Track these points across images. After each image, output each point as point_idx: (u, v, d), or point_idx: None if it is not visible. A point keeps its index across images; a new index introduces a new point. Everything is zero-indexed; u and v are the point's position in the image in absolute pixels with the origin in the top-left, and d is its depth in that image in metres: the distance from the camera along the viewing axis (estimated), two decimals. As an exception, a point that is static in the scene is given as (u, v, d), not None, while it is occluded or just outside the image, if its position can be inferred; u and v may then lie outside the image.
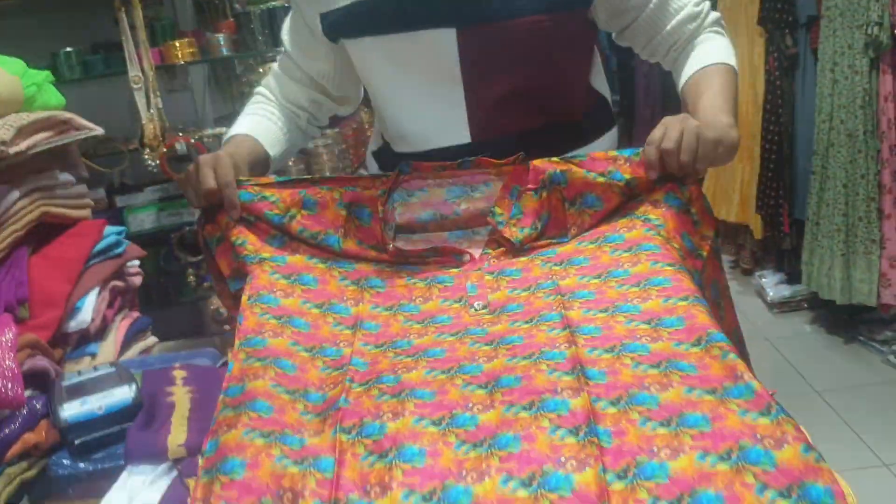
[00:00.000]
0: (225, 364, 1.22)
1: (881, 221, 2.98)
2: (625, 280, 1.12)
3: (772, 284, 3.73)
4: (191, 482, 0.91)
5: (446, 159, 1.29)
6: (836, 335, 3.38)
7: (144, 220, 2.35)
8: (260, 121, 1.42)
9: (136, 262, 1.46)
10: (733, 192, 3.89)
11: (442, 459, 0.88)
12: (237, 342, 1.07)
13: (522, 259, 1.22)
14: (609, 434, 0.87)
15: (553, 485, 0.83)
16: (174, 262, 2.38)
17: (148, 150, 2.02)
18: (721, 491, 0.80)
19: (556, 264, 1.19)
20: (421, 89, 1.34)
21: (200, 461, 0.90)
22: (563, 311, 1.07)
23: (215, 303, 2.34)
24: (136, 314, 1.44)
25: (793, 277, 3.64)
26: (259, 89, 1.49)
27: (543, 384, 0.95)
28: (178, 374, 1.13)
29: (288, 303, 1.14)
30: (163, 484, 0.94)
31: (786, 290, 3.66)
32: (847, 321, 3.36)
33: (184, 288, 2.47)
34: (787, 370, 3.17)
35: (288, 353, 1.05)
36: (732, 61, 1.36)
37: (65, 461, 1.01)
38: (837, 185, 3.07)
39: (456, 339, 1.08)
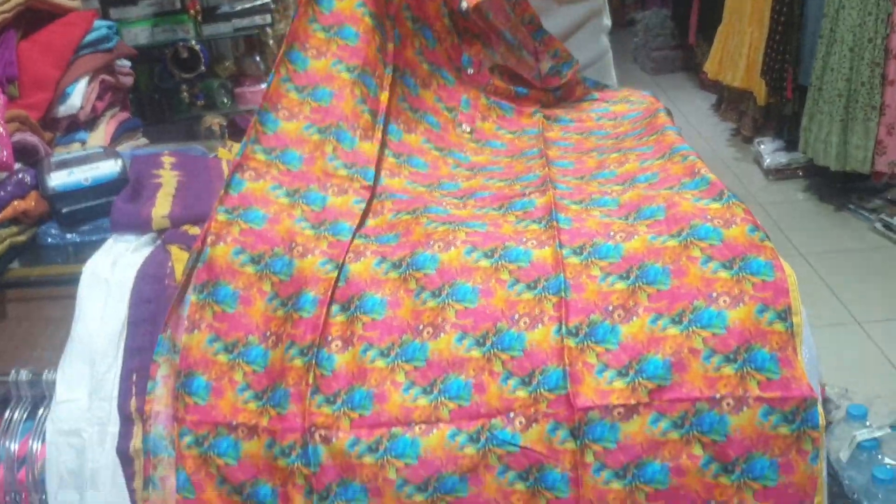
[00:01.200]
0: (216, 157, 1.24)
1: (883, 87, 2.95)
2: (605, 137, 1.16)
3: (770, 151, 3.73)
4: (172, 248, 0.95)
5: None
6: (828, 203, 3.41)
7: (139, 34, 2.31)
8: None
9: (128, 63, 1.46)
10: (740, 57, 3.83)
11: (413, 235, 0.92)
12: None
13: (520, 97, 1.25)
14: (569, 220, 0.91)
15: (513, 256, 0.87)
16: (168, 78, 2.37)
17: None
18: (668, 264, 0.84)
19: (546, 117, 1.23)
20: None
21: (221, 194, 0.94)
22: (543, 149, 1.11)
23: (208, 121, 2.35)
24: (127, 114, 1.45)
25: (791, 145, 3.64)
26: None
27: (514, 192, 0.99)
28: (167, 159, 1.15)
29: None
30: (145, 251, 0.97)
31: (783, 158, 3.67)
32: (839, 190, 3.38)
33: (178, 105, 2.47)
34: (776, 234, 3.22)
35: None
36: None
37: (53, 230, 1.05)
38: (844, 48, 3.02)
39: (441, 154, 1.11)
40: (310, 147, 1.01)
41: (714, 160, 3.93)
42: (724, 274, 0.82)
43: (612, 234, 0.88)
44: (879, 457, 1.52)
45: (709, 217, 0.87)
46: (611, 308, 0.83)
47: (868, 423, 1.58)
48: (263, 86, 2.49)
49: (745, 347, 0.79)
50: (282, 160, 1.00)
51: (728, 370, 0.79)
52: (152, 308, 0.91)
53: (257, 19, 2.43)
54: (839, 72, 3.05)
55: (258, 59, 2.60)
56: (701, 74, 4.69)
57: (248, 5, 2.42)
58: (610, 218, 0.91)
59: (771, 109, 3.80)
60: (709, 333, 0.80)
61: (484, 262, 0.88)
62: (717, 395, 0.78)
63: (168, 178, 1.10)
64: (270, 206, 0.95)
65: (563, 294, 0.84)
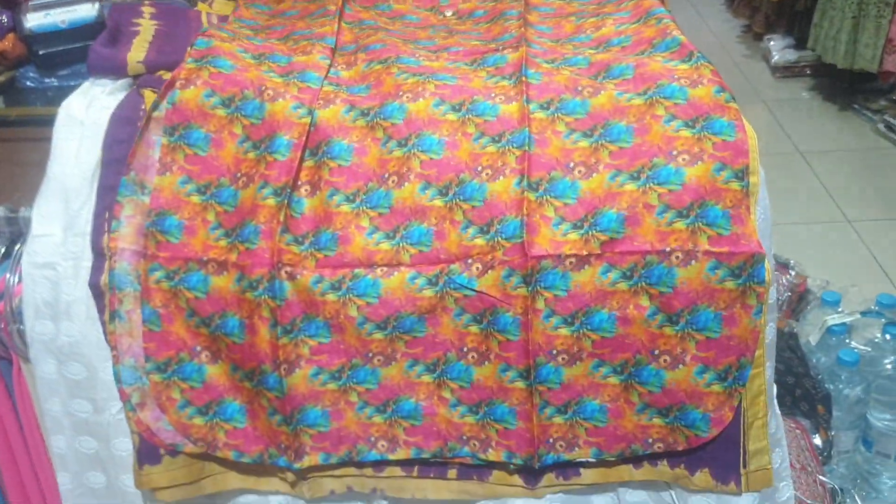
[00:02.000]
0: (197, 10, 1.23)
1: (900, -17, 2.88)
2: (587, 14, 1.13)
3: (779, 48, 3.65)
4: (146, 91, 0.96)
5: None
6: (832, 102, 3.36)
7: None
8: None
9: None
10: (757, -52, 3.72)
11: (384, 86, 0.93)
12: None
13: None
14: (539, 76, 0.91)
15: (480, 110, 0.88)
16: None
17: None
18: (632, 123, 0.85)
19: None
20: None
21: (189, 50, 0.95)
22: (523, 14, 1.09)
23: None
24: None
25: (801, 42, 3.56)
26: None
27: (488, 49, 0.99)
28: (147, 9, 1.14)
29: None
30: (121, 95, 0.98)
31: (791, 55, 3.60)
32: (846, 90, 3.33)
33: None
34: (776, 130, 3.19)
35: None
36: None
37: (32, 73, 1.05)
38: (863, -60, 2.93)
39: (419, 28, 1.10)
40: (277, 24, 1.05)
41: (722, 57, 3.86)
42: (685, 132, 0.83)
43: (579, 89, 0.89)
44: (847, 341, 1.56)
45: (676, 77, 0.87)
46: (572, 165, 0.84)
47: (840, 310, 1.62)
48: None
49: (699, 203, 0.80)
50: (247, 38, 1.01)
51: (680, 225, 0.80)
52: (125, 149, 0.92)
53: None
54: (855, -36, 2.96)
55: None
56: (717, -33, 4.55)
57: None
58: (579, 76, 0.91)
59: (783, 6, 3.70)
60: (665, 189, 0.81)
61: (451, 115, 0.89)
62: (667, 249, 0.80)
63: (146, 27, 1.09)
64: (238, 61, 0.95)
65: (526, 148, 0.85)
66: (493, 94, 0.90)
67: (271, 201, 0.87)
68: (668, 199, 0.81)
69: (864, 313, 1.59)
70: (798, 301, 1.85)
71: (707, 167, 0.81)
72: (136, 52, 1.01)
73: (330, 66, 0.98)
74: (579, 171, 0.84)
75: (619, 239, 0.81)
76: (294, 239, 0.87)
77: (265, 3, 1.22)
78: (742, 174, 0.81)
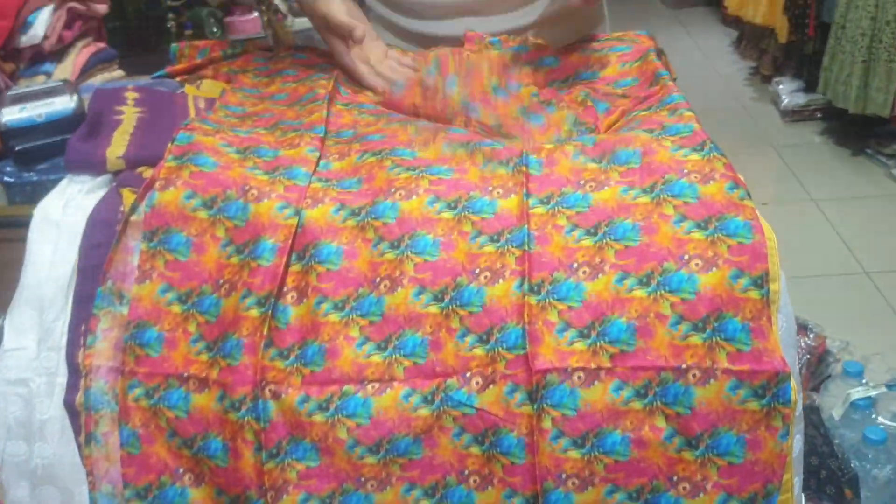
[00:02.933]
0: (184, 93, 1.19)
1: (909, 27, 2.83)
2: (592, 82, 1.09)
3: (788, 92, 3.61)
4: (125, 192, 0.91)
5: None
6: (845, 147, 3.30)
7: (123, -44, 2.24)
8: None
9: (102, -10, 1.40)
10: (762, -9, 3.69)
11: (375, 181, 0.87)
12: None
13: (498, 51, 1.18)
14: (540, 164, 0.86)
15: (478, 207, 0.83)
16: (155, 5, 2.28)
17: None
18: (639, 221, 0.79)
19: (528, 62, 1.14)
20: None
21: (170, 146, 0.90)
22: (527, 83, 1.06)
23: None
24: (102, 45, 1.39)
25: (810, 86, 3.51)
26: None
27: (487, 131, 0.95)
28: (131, 95, 1.09)
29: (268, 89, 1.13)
30: (100, 193, 0.93)
31: (801, 98, 3.55)
32: (858, 134, 3.27)
33: (165, 34, 2.38)
34: (787, 177, 3.13)
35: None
36: None
37: (9, 168, 1.01)
38: (870, -16, 2.89)
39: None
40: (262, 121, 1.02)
41: (730, 100, 3.81)
42: (697, 235, 0.77)
43: (581, 182, 0.83)
44: (873, 416, 1.48)
45: (685, 171, 0.81)
46: (575, 265, 0.78)
47: (864, 381, 1.54)
48: (255, 14, 2.41)
49: (716, 315, 0.74)
50: (232, 130, 0.97)
51: (696, 339, 0.74)
52: (102, 254, 0.86)
53: (248, -58, 2.33)
54: (864, 9, 2.92)
55: (250, -15, 2.51)
56: (722, 9, 4.53)
57: (240, -72, 2.32)
58: (583, 158, 0.86)
59: (792, 48, 3.66)
60: (677, 298, 0.75)
61: (446, 214, 0.83)
62: (683, 366, 0.74)
63: (129, 115, 1.05)
64: (221, 157, 0.90)
65: (526, 247, 0.79)
66: (490, 188, 0.84)
67: (254, 312, 0.81)
68: (681, 309, 0.75)
69: (889, 385, 1.51)
70: (818, 363, 1.77)
71: (723, 274, 0.75)
72: (116, 147, 0.96)
73: (319, 158, 0.93)
74: (583, 272, 0.78)
75: (630, 352, 0.75)
76: (279, 353, 0.81)
77: (253, 87, 1.17)
78: (761, 281, 0.75)
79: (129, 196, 0.90)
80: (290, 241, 0.84)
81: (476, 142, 0.91)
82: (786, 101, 3.57)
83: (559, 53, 1.21)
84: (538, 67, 1.14)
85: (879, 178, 3.06)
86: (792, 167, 3.20)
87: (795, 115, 3.56)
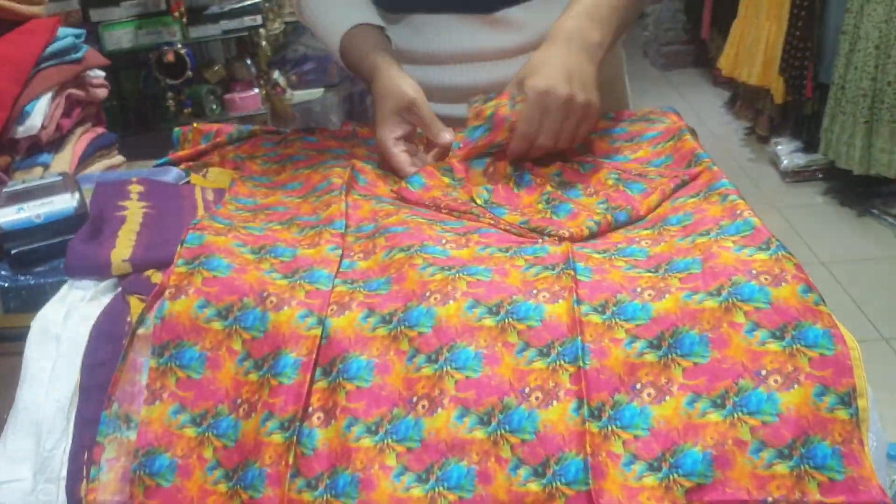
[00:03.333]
0: (190, 184, 1.12)
1: (911, 88, 2.82)
2: (625, 163, 1.03)
3: (787, 152, 3.58)
4: (132, 299, 0.83)
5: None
6: (849, 207, 3.27)
7: (121, 37, 2.16)
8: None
9: (101, 74, 1.34)
10: (757, 53, 3.68)
11: (406, 282, 0.80)
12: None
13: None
14: (589, 271, 0.79)
15: (522, 313, 0.75)
16: (154, 84, 2.23)
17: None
18: (706, 331, 0.71)
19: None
20: None
21: (179, 249, 0.83)
22: (561, 174, 1.00)
23: (195, 129, 2.21)
24: (100, 130, 1.33)
25: (809, 146, 3.50)
26: None
27: (527, 237, 0.87)
28: (135, 188, 1.03)
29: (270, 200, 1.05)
30: (104, 300, 0.85)
31: (801, 159, 3.52)
32: (862, 193, 3.24)
33: (164, 113, 2.32)
34: (794, 240, 3.08)
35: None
36: None
37: (3, 272, 0.93)
38: (869, 46, 2.88)
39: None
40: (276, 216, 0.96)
41: (728, 160, 3.79)
42: (774, 346, 0.70)
43: (638, 289, 0.76)
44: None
45: (754, 272, 0.74)
46: (639, 386, 0.70)
47: (908, 464, 1.46)
48: (255, 91, 2.36)
49: (802, 440, 0.66)
50: (245, 227, 0.90)
51: (782, 468, 0.66)
52: (106, 373, 0.78)
53: (248, 20, 2.27)
54: (864, 70, 2.91)
55: (249, 62, 2.44)
56: (714, 70, 4.54)
57: (237, 5, 2.26)
58: (637, 270, 0.78)
59: (788, 108, 3.65)
60: (758, 421, 0.67)
61: (488, 321, 0.75)
62: (769, 499, 0.65)
63: (134, 211, 0.98)
64: (235, 258, 0.83)
65: (580, 363, 0.71)
66: (534, 291, 0.77)
67: (277, 437, 0.73)
68: (763, 433, 0.67)
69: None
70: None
71: (806, 392, 0.68)
72: (122, 249, 0.89)
73: (342, 256, 0.86)
74: (648, 395, 0.70)
75: (707, 485, 0.66)
76: (307, 483, 0.72)
77: (263, 174, 1.11)
78: (849, 399, 0.67)
79: (136, 305, 0.82)
80: (314, 355, 0.76)
81: (517, 247, 0.84)
82: (786, 161, 3.55)
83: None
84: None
85: (888, 239, 3.02)
86: (797, 229, 3.15)
87: (796, 176, 3.53)
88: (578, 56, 1.01)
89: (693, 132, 1.09)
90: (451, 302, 0.76)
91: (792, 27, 3.36)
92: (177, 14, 2.10)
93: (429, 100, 1.10)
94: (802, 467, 0.65)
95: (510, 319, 0.75)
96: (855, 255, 2.96)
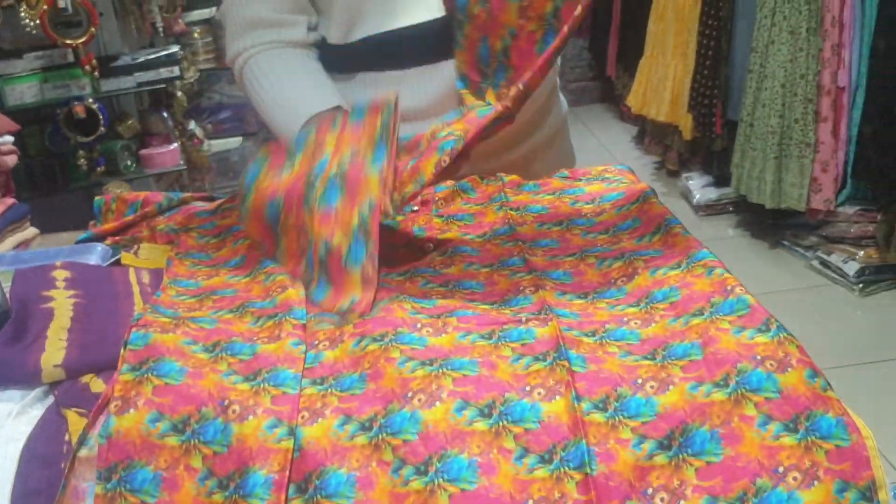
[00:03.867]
0: (118, 261, 1.02)
1: (816, 124, 2.91)
2: (590, 228, 1.00)
3: (699, 187, 3.66)
4: (70, 413, 0.73)
5: (416, 37, 1.10)
6: (761, 239, 3.34)
7: (25, 92, 2.01)
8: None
9: (9, 139, 1.22)
10: (665, 91, 3.76)
11: (384, 380, 0.73)
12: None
13: (474, 206, 1.09)
14: (583, 360, 0.73)
15: (519, 413, 0.69)
16: (62, 142, 2.07)
17: (25, 6, 1.71)
18: (717, 427, 0.67)
19: (512, 209, 1.07)
20: None
21: (123, 352, 0.74)
22: (525, 256, 0.94)
23: (111, 190, 2.07)
24: (10, 200, 1.21)
25: (720, 180, 3.57)
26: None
27: (505, 318, 0.81)
28: (60, 274, 0.92)
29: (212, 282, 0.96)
30: (35, 413, 0.75)
31: (712, 193, 3.60)
32: (772, 226, 3.32)
33: (74, 173, 2.15)
34: (712, 274, 3.13)
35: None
36: None
37: None
38: (776, 84, 2.96)
39: (405, 278, 0.92)
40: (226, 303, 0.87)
41: (642, 195, 3.83)
42: (788, 440, 0.66)
43: (639, 381, 0.71)
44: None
45: (758, 358, 0.70)
46: (651, 491, 0.65)
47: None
48: (174, 146, 2.23)
49: None
50: (193, 320, 0.81)
51: None
52: (42, 502, 0.68)
53: (164, 72, 2.15)
54: (771, 108, 2.99)
55: (165, 114, 2.30)
56: (621, 106, 4.63)
57: (152, 56, 2.14)
58: (633, 357, 0.74)
59: (697, 143, 3.73)
60: None
61: (480, 424, 0.69)
62: None
63: (62, 303, 0.87)
64: (188, 360, 0.74)
65: (587, 469, 0.65)
66: (528, 387, 0.71)
67: None
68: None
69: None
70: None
71: (827, 489, 0.64)
72: (52, 352, 0.79)
73: (305, 350, 0.78)
74: (661, 499, 0.65)
75: None
76: None
77: (201, 250, 1.02)
78: (870, 493, 0.64)
79: (75, 421, 0.73)
80: (287, 471, 0.68)
81: (499, 331, 0.78)
82: (698, 195, 3.61)
83: (544, 185, 1.13)
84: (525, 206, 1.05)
85: (800, 270, 3.09)
86: (714, 263, 3.20)
87: (708, 210, 3.60)
88: None
89: (654, 193, 1.06)
90: (438, 404, 0.70)
91: (699, 66, 3.44)
92: (88, 67, 1.97)
93: None
94: None
95: (504, 422, 0.69)
96: (769, 287, 3.01)
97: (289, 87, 1.13)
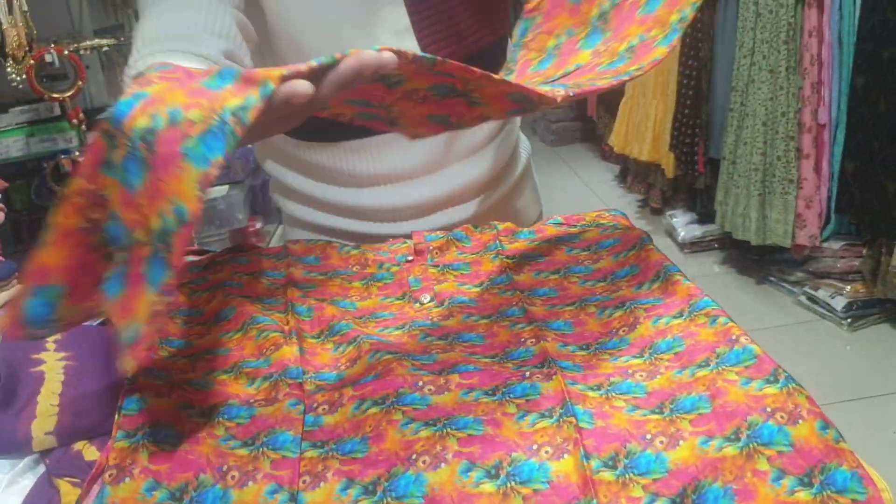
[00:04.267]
0: (109, 320, 1.00)
1: (799, 161, 2.94)
2: (587, 276, 0.99)
3: (683, 224, 3.68)
4: (62, 483, 0.71)
5: None
6: (747, 276, 3.36)
7: (10, 146, 1.99)
8: None
9: (-4, 195, 1.20)
10: (646, 131, 3.80)
11: (386, 442, 0.71)
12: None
13: (470, 255, 1.08)
14: (590, 416, 0.72)
15: (526, 474, 0.67)
16: (48, 195, 2.06)
17: (12, 61, 1.71)
18: (730, 483, 0.65)
19: (508, 258, 1.05)
20: (363, 9, 1.10)
21: (117, 419, 0.72)
22: (524, 306, 0.92)
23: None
24: (-4, 258, 1.19)
25: (704, 217, 3.60)
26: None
27: (508, 372, 0.79)
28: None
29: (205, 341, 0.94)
30: (25, 484, 0.72)
31: (697, 230, 3.62)
32: (758, 262, 3.34)
33: None
34: (700, 311, 3.13)
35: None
36: None
37: None
38: (757, 122, 3.00)
39: (403, 332, 0.91)
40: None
41: (627, 234, 3.85)
42: (803, 494, 0.64)
43: (648, 436, 0.69)
44: None
45: (768, 410, 0.69)
46: None
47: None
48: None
49: None
50: (187, 383, 0.80)
51: None
52: (36, 581, 0.66)
53: (150, 124, 2.13)
54: (753, 146, 3.02)
55: (151, 165, 2.29)
56: (603, 146, 4.67)
57: (138, 108, 2.13)
58: (640, 412, 0.72)
59: (679, 181, 3.76)
60: None
61: (488, 486, 0.67)
62: None
63: (52, 366, 0.85)
64: (184, 425, 0.72)
65: None
66: (535, 446, 0.69)
67: None
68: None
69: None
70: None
71: None
72: (43, 419, 0.76)
73: (304, 411, 0.76)
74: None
75: None
76: None
77: (192, 306, 0.99)
78: None
79: (67, 490, 0.70)
80: None
81: (503, 387, 0.76)
82: (682, 233, 3.63)
83: (539, 232, 1.12)
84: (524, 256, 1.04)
85: (788, 306, 3.10)
86: (702, 300, 3.21)
87: (694, 247, 3.62)
88: None
89: (650, 239, 1.06)
90: (443, 465, 0.68)
91: (680, 105, 3.48)
92: (75, 121, 1.96)
93: (370, 220, 1.06)
94: None
95: (512, 483, 0.67)
96: (757, 324, 3.02)
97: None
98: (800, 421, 0.68)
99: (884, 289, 2.72)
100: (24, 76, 1.80)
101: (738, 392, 0.71)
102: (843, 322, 2.88)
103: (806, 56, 2.84)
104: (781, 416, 0.68)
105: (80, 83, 1.94)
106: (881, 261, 2.72)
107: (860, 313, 2.88)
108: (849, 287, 2.90)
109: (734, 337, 0.78)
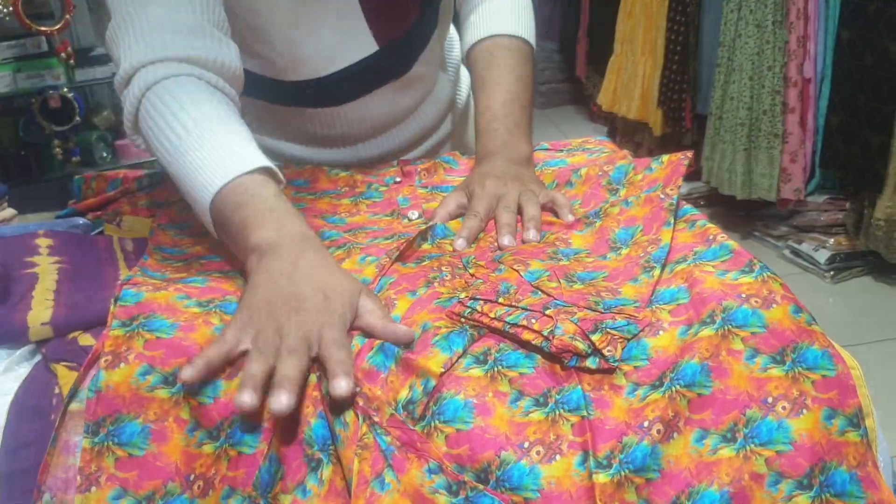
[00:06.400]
0: (101, 233, 1.01)
1: (784, 115, 2.95)
2: (575, 194, 1.02)
3: (670, 181, 3.69)
4: (59, 368, 0.73)
5: (354, 74, 1.11)
6: (733, 231, 3.38)
7: (-3, 82, 2.01)
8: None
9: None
10: (634, 88, 3.80)
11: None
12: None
13: (458, 178, 1.09)
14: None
15: (511, 361, 0.69)
16: (37, 132, 2.05)
17: (-3, -6, 1.70)
18: (707, 360, 0.68)
19: None
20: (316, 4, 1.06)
21: (113, 308, 0.74)
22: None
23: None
24: (-14, 181, 1.20)
25: (691, 175, 3.61)
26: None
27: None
28: (43, 241, 0.92)
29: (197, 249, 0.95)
30: (22, 371, 0.74)
31: (683, 187, 3.63)
32: (743, 217, 3.36)
33: (49, 162, 2.13)
34: (686, 265, 3.16)
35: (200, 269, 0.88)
36: (529, 32, 1.24)
37: None
38: (743, 77, 3.01)
39: (391, 241, 0.92)
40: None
41: (614, 192, 3.87)
42: (776, 371, 0.67)
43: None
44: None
45: (743, 296, 0.71)
46: (647, 424, 0.65)
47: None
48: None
49: (820, 467, 0.63)
50: (183, 280, 0.81)
51: (803, 499, 0.63)
52: (33, 456, 0.68)
53: (138, 62, 2.12)
54: (740, 100, 3.03)
55: (140, 105, 2.29)
56: (592, 106, 4.67)
57: (126, 46, 2.12)
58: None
59: (667, 139, 3.77)
60: (772, 452, 0.64)
61: (476, 371, 0.69)
62: None
63: (46, 268, 0.87)
64: (179, 315, 0.74)
65: (585, 413, 0.65)
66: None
67: None
68: (779, 464, 0.63)
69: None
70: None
71: (815, 416, 0.65)
72: (39, 311, 0.78)
73: None
74: (657, 431, 0.65)
75: None
76: None
77: (183, 222, 1.01)
78: (857, 420, 0.65)
79: (65, 375, 0.72)
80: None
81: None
82: (669, 190, 3.65)
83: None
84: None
85: (773, 260, 3.13)
86: (687, 255, 3.24)
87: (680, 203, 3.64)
88: (515, 164, 1.05)
89: (634, 166, 1.08)
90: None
91: (668, 62, 3.48)
92: (63, 55, 1.95)
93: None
94: (824, 496, 0.62)
95: (499, 367, 0.69)
96: (743, 278, 3.05)
97: (215, 128, 0.84)
98: (773, 305, 0.70)
99: (866, 241, 2.75)
100: (10, 9, 1.78)
101: (714, 281, 0.73)
102: (825, 275, 2.91)
103: (792, 10, 2.85)
104: (756, 301, 0.70)
105: (67, 16, 1.92)
106: (864, 214, 2.75)
107: (843, 265, 2.91)
108: (832, 240, 2.93)
109: (712, 236, 0.81)
